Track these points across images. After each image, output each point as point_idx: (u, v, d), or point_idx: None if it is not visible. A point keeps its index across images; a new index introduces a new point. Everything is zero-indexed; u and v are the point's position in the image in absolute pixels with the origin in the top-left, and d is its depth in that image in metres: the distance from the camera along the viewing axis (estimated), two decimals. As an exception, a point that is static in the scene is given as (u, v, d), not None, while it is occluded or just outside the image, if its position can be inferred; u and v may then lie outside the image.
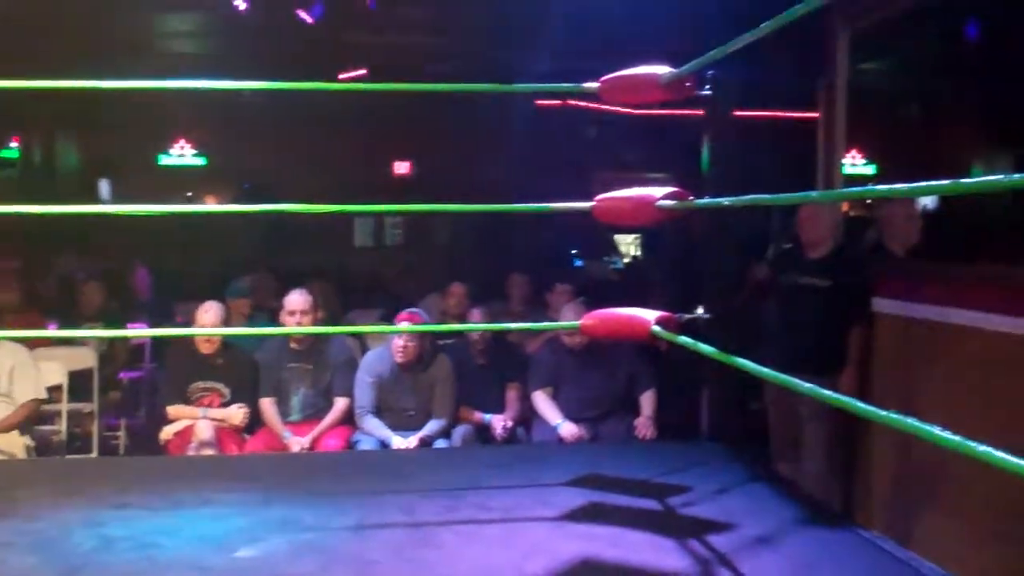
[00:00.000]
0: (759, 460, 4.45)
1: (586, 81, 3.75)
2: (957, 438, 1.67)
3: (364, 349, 6.32)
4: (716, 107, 4.18)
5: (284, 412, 5.74)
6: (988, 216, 9.37)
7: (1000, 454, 1.56)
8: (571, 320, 5.20)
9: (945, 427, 1.72)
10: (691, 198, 3.51)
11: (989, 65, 9.57)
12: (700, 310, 4.11)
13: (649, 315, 3.64)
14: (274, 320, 6.33)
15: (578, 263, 11.62)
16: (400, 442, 5.42)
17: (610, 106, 8.58)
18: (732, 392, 4.98)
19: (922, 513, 4.49)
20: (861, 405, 2.14)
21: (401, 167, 12.47)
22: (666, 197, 3.46)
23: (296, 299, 5.79)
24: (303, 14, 7.98)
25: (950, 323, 4.47)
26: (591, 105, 10.84)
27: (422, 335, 5.62)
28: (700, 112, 4.28)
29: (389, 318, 6.36)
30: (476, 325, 6.12)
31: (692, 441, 4.47)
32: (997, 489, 3.84)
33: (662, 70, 3.48)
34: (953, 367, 4.40)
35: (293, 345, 5.79)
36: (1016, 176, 1.64)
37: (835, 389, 4.81)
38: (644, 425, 5.64)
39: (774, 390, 5.31)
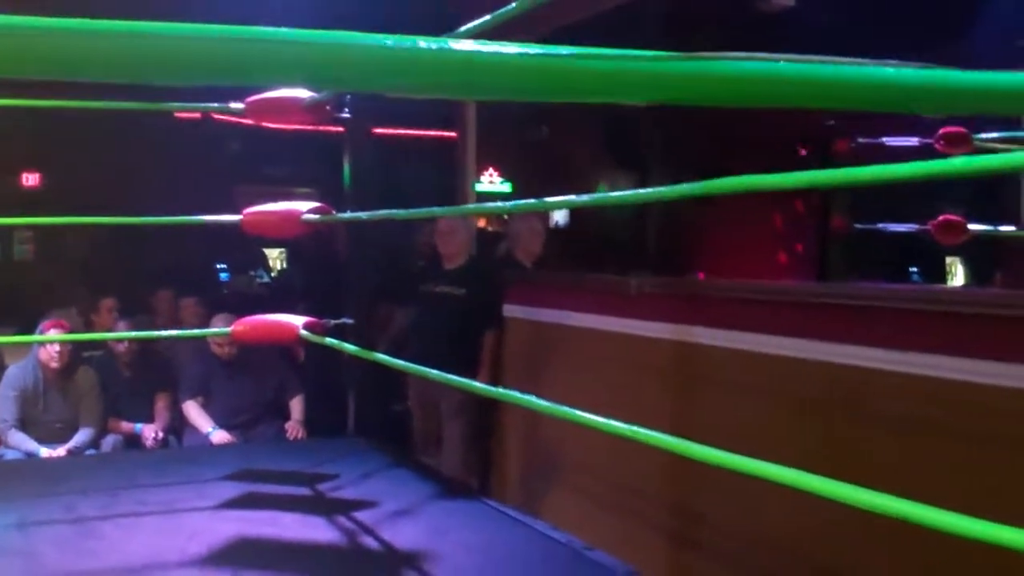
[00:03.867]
0: (402, 453, 4.99)
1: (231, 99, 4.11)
2: (567, 409, 2.25)
3: (2, 366, 6.32)
4: (354, 128, 4.68)
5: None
6: (608, 231, 10.52)
7: (603, 419, 2.15)
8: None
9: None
10: (334, 212, 4.00)
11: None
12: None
13: (297, 320, 4.09)
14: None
15: (225, 277, 11.79)
16: (48, 454, 5.53)
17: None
18: (376, 394, 5.51)
19: (548, 493, 5.19)
20: (499, 390, 2.71)
21: (30, 178, 12.13)
22: (311, 211, 3.92)
23: None
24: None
25: (571, 325, 5.21)
26: (233, 119, 11.07)
27: (65, 346, 5.76)
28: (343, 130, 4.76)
29: (27, 333, 6.37)
30: (127, 333, 6.23)
31: (339, 438, 4.94)
32: (606, 468, 4.61)
33: (304, 93, 3.90)
34: (574, 365, 5.12)
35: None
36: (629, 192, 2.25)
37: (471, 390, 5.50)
38: (294, 428, 6.05)
39: (416, 391, 5.86)
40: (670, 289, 4.77)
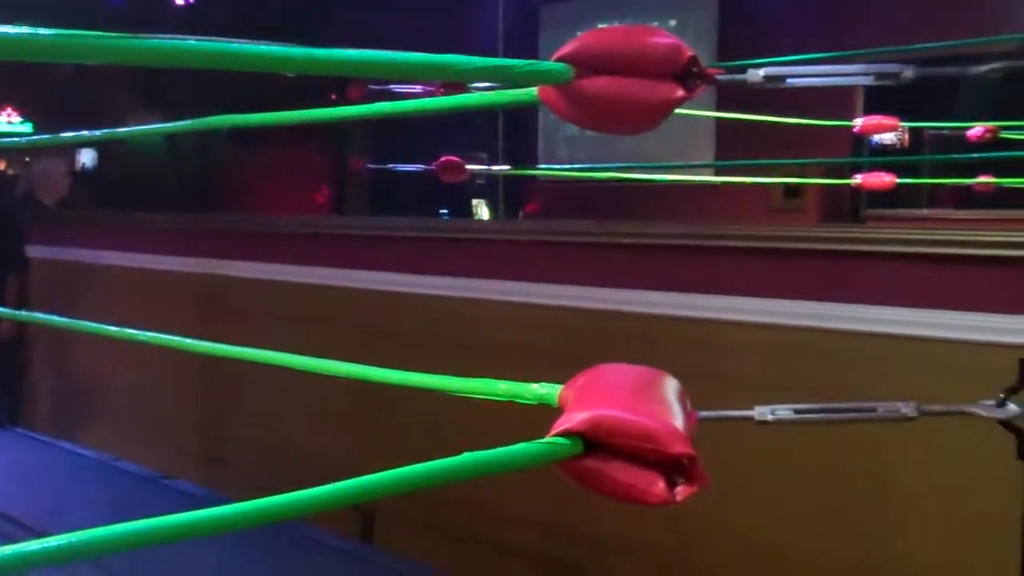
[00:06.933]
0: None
1: None
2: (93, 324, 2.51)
3: None
4: None
5: None
6: (140, 173, 10.55)
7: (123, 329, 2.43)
8: None
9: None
10: None
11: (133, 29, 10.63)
12: None
13: None
14: None
15: None
16: None
17: None
18: None
19: (81, 423, 5.33)
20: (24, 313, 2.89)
21: None
22: None
23: None
24: None
25: (100, 264, 5.37)
26: None
27: None
28: None
29: None
30: None
31: None
32: (137, 396, 4.88)
33: None
34: (104, 302, 5.28)
35: None
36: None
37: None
38: None
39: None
40: (196, 225, 5.08)
